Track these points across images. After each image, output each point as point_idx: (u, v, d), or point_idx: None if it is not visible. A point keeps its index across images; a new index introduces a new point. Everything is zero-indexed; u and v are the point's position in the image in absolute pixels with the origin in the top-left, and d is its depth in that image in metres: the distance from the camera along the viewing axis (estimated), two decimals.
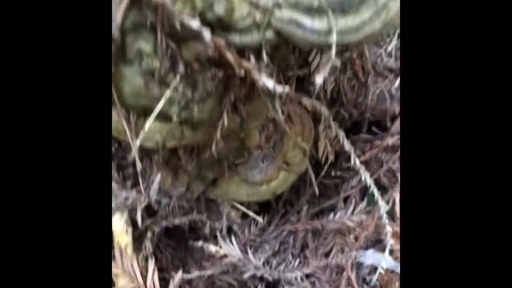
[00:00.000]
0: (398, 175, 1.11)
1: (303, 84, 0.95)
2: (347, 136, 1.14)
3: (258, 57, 0.55)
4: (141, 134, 0.55)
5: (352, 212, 1.05)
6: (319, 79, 0.51)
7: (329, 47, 0.49)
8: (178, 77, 0.55)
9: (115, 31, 0.48)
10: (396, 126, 1.11)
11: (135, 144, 0.55)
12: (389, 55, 1.10)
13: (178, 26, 0.45)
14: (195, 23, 0.44)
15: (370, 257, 1.01)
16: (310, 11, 0.48)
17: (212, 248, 0.87)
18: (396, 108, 1.09)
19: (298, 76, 0.91)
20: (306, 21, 0.48)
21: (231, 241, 0.90)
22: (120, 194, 0.69)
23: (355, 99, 1.05)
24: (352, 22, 0.49)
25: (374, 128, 1.14)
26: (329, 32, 0.49)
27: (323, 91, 1.00)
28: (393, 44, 1.13)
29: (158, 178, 0.72)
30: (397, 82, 1.07)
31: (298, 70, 0.91)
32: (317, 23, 0.48)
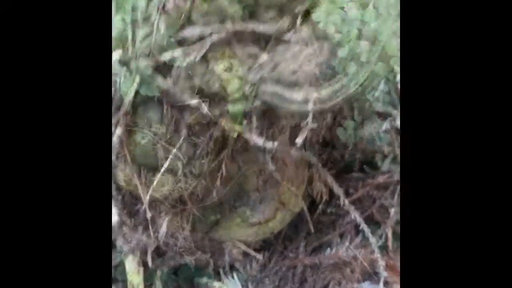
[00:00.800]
0: (390, 210, 1.18)
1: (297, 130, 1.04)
2: (341, 176, 1.22)
3: (250, 118, 0.65)
4: (150, 190, 0.64)
5: (348, 247, 1.11)
6: (299, 140, 0.60)
7: (307, 113, 0.59)
8: (181, 138, 0.64)
9: (128, 106, 0.58)
10: (386, 164, 1.19)
11: (146, 197, 0.64)
12: (377, 100, 1.19)
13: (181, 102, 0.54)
14: (194, 102, 0.54)
15: None
16: (290, 85, 0.58)
17: (215, 284, 0.93)
18: (385, 148, 1.17)
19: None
20: (287, 93, 0.58)
21: (233, 278, 0.97)
22: (132, 239, 0.77)
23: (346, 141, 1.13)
24: (326, 92, 0.59)
25: (365, 167, 1.22)
26: (306, 101, 0.58)
27: (315, 135, 1.09)
28: (380, 88, 1.21)
29: (165, 222, 0.81)
30: (384, 125, 1.15)
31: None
32: (295, 95, 0.58)
